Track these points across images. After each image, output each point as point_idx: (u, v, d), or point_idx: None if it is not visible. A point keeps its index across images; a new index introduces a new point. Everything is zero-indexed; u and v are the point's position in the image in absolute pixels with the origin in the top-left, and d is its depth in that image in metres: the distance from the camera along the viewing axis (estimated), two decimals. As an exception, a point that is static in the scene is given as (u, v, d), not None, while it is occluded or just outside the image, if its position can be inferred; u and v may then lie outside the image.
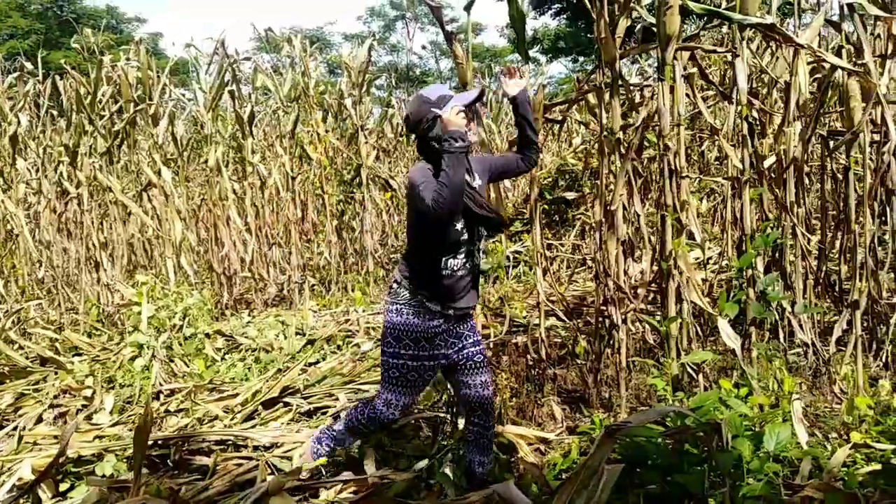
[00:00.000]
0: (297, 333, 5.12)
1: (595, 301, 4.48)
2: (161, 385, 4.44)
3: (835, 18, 4.46)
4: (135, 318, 4.94)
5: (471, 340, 2.64)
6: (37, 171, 7.35)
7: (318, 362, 4.53)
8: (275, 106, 9.04)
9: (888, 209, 4.30)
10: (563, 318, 5.33)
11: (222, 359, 4.93)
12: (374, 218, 8.09)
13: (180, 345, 5.02)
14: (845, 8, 3.99)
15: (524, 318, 5.17)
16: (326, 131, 8.19)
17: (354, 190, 8.02)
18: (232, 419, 3.81)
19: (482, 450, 2.73)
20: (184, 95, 10.03)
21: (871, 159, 4.11)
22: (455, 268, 2.48)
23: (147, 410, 2.59)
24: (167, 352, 4.88)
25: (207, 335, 5.19)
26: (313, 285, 7.27)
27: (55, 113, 8.35)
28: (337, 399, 3.86)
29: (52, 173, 7.21)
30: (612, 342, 4.19)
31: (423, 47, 40.61)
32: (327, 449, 2.84)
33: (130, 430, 3.86)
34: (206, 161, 7.82)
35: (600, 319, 4.31)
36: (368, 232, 7.60)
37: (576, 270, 7.09)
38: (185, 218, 7.35)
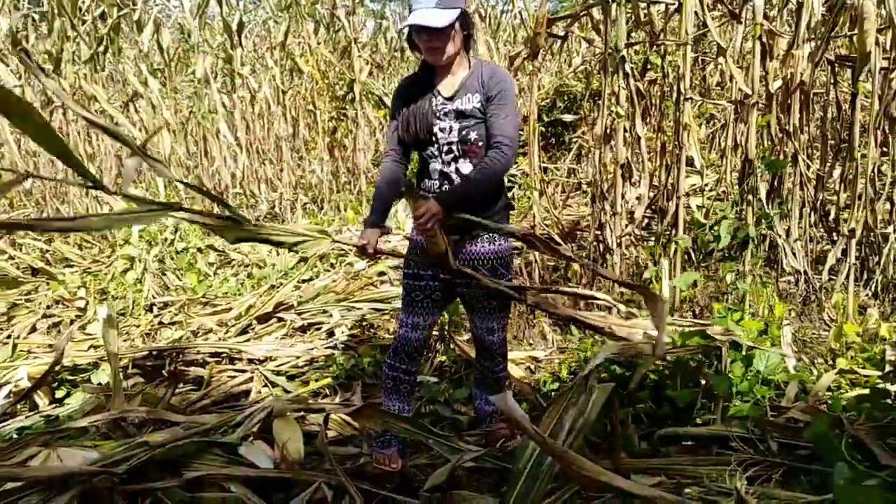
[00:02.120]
0: (290, 250, 5.09)
1: (590, 224, 4.47)
2: (154, 298, 4.44)
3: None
4: (126, 232, 4.89)
5: (466, 280, 2.38)
6: (19, 77, 7.09)
7: (311, 280, 4.53)
8: (265, 15, 8.69)
9: (890, 138, 4.25)
10: (559, 240, 5.34)
11: (214, 274, 4.92)
12: (368, 136, 7.93)
13: (172, 259, 5.00)
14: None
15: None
16: (318, 43, 7.89)
17: (347, 106, 7.81)
18: (226, 332, 3.84)
19: (488, 388, 2.72)
20: (169, 1, 9.61)
21: (878, 87, 4.02)
22: (428, 188, 2.36)
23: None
24: (159, 265, 4.86)
25: (199, 250, 5.16)
26: (305, 203, 7.19)
27: (36, 17, 7.97)
28: (331, 316, 3.88)
29: (36, 81, 6.95)
30: (605, 265, 4.20)
31: (420, -42, 38.83)
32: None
33: (126, 340, 3.89)
34: (193, 72, 7.57)
35: (594, 243, 4.32)
36: (361, 150, 7.46)
37: (570, 195, 7.04)
38: (174, 131, 7.18)
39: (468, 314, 2.62)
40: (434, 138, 2.29)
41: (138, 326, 4.06)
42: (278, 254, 4.97)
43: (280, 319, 3.92)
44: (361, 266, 4.63)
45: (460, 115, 2.27)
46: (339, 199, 7.28)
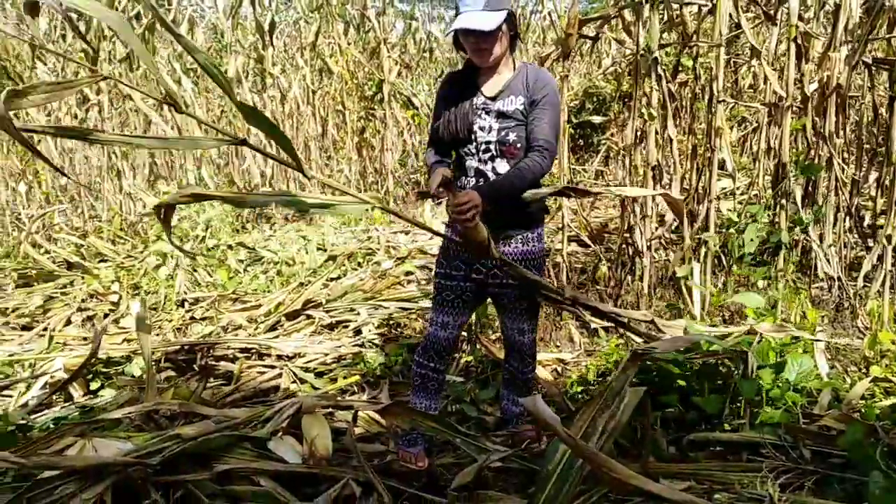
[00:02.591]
0: (318, 249, 5.15)
1: (619, 227, 4.43)
2: (185, 293, 4.51)
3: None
4: (158, 228, 4.98)
5: (498, 281, 2.39)
6: (56, 76, 7.26)
7: (339, 278, 4.57)
8: (296, 16, 8.78)
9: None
10: (587, 242, 5.31)
11: (244, 270, 4.98)
12: (395, 136, 7.97)
13: (203, 255, 5.07)
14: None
15: (547, 242, 5.14)
16: (348, 44, 7.96)
17: (375, 107, 7.86)
18: (255, 329, 3.88)
19: (516, 389, 2.71)
20: (203, 1, 9.75)
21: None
22: (463, 185, 2.36)
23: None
24: (190, 262, 4.94)
25: (230, 247, 5.23)
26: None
27: (74, 16, 8.15)
28: (358, 314, 3.90)
29: (73, 78, 7.11)
30: (633, 269, 4.17)
31: (448, -41, 38.93)
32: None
33: (158, 335, 3.96)
34: (225, 71, 7.67)
35: (623, 246, 4.29)
36: (389, 150, 7.50)
37: (599, 196, 6.99)
38: (206, 129, 7.28)
39: (499, 315, 2.63)
40: (473, 136, 2.30)
41: (170, 321, 4.13)
42: (307, 252, 5.02)
43: (308, 317, 3.96)
44: (388, 265, 4.66)
45: (501, 115, 2.27)
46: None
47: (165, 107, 7.06)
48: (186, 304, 4.40)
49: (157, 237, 5.04)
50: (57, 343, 3.76)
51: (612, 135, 7.48)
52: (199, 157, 7.09)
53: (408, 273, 4.52)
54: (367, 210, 2.09)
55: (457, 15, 2.22)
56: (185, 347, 3.53)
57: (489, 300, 2.69)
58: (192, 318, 4.16)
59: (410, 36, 10.19)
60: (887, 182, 3.78)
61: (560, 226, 4.62)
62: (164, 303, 4.38)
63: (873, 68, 4.89)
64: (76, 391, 3.19)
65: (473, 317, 3.50)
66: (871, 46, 5.85)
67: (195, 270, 4.84)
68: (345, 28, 8.48)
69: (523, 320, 2.52)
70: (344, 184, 7.69)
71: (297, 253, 5.01)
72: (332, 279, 4.53)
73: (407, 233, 5.71)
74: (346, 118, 7.65)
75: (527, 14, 12.04)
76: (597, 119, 7.86)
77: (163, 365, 3.43)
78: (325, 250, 5.11)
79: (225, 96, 8.12)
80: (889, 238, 3.47)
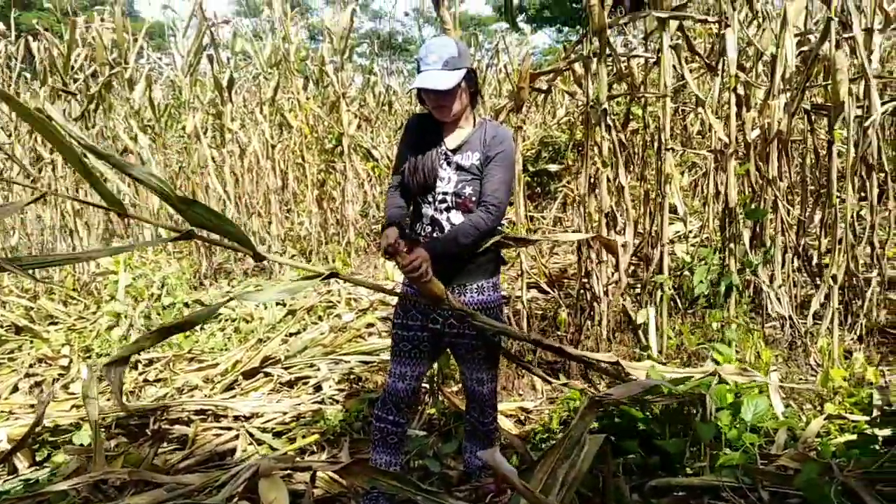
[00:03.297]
0: (277, 304, 5.08)
1: (577, 273, 4.49)
2: (139, 355, 4.38)
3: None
4: (111, 287, 4.87)
5: (455, 330, 2.39)
6: (9, 135, 7.15)
7: (298, 333, 4.51)
8: (255, 72, 8.86)
9: (868, 184, 4.34)
10: (546, 289, 5.35)
11: (201, 329, 4.88)
12: (356, 188, 8.01)
13: (158, 314, 4.96)
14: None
15: (506, 289, 5.18)
16: (307, 98, 8.04)
17: (336, 159, 7.92)
18: (212, 389, 3.78)
19: (478, 440, 2.69)
20: (160, 59, 9.79)
21: (854, 134, 4.13)
22: (418, 233, 2.40)
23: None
24: (145, 321, 4.83)
25: (186, 304, 5.13)
26: (293, 255, 7.20)
27: (28, 76, 8.10)
28: (318, 369, 3.84)
29: (27, 138, 7.02)
30: (592, 314, 4.21)
31: (406, 14, 39.88)
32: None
33: (108, 399, 3.82)
34: (183, 127, 7.66)
35: (582, 291, 4.33)
36: (350, 202, 7.52)
37: (557, 243, 7.09)
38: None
39: (458, 365, 2.62)
40: (435, 186, 2.33)
41: (122, 384, 3.99)
42: (265, 307, 4.95)
43: (267, 374, 3.88)
44: (349, 317, 4.62)
45: (460, 168, 2.32)
46: (327, 250, 7.29)
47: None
48: (140, 366, 4.27)
49: (111, 297, 4.93)
50: (1, 412, 3.60)
51: (568, 182, 7.64)
52: (157, 212, 6.99)
53: (369, 325, 4.48)
54: (320, 281, 2.08)
55: (419, 72, 2.28)
56: (138, 412, 3.41)
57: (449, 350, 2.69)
58: (145, 380, 4.04)
59: (370, 90, 10.35)
60: (829, 223, 3.93)
61: (519, 273, 4.66)
62: (118, 365, 4.24)
63: (813, 114, 5.13)
64: (21, 462, 3.05)
65: (435, 367, 3.47)
66: (812, 92, 6.16)
67: (150, 330, 4.71)
68: (304, 83, 8.58)
69: (482, 370, 2.52)
70: (305, 236, 7.66)
71: (256, 308, 4.93)
72: (291, 334, 4.46)
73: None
74: (307, 171, 7.67)
75: (483, 67, 12.37)
76: (553, 167, 8.04)
77: (113, 431, 3.30)
78: (285, 305, 5.05)
79: (184, 151, 8.10)
80: (834, 277, 3.59)
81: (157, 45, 14.69)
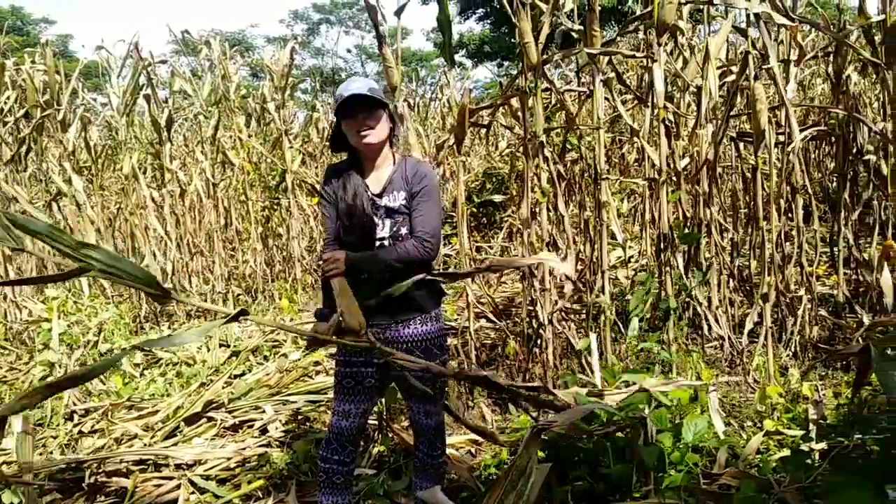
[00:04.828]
0: (220, 345, 4.96)
1: (523, 301, 4.54)
2: (75, 405, 4.20)
3: (742, 25, 4.69)
4: (45, 336, 4.67)
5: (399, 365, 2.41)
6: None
7: (243, 374, 4.40)
8: (195, 111, 8.76)
9: (793, 206, 4.56)
10: (493, 319, 5.39)
11: (141, 375, 4.71)
12: (302, 224, 7.95)
13: (95, 362, 4.77)
14: (752, 16, 4.20)
15: (454, 320, 5.19)
16: (249, 136, 7.99)
17: (280, 196, 7.85)
18: (152, 437, 3.65)
19: (428, 477, 2.66)
20: (95, 100, 9.60)
21: (777, 159, 4.34)
22: (361, 281, 2.36)
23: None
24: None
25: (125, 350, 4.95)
26: (238, 295, 7.06)
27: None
28: (263, 411, 3.75)
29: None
30: (539, 342, 4.25)
31: (349, 51, 40.26)
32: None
33: (41, 454, 3.64)
34: (121, 168, 7.49)
35: (528, 320, 4.38)
36: (295, 238, 7.46)
37: (504, 272, 7.16)
38: (100, 228, 7.01)
39: (405, 399, 2.60)
40: (373, 233, 2.33)
41: (56, 437, 3.81)
42: (209, 349, 4.82)
43: (210, 419, 3.76)
44: (296, 356, 4.54)
45: (390, 211, 2.33)
46: (273, 288, 7.18)
47: (55, 207, 6.76)
48: (76, 417, 4.09)
49: (44, 345, 4.72)
50: (-78, 474, 3.38)
51: (512, 212, 7.76)
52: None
53: (316, 363, 4.41)
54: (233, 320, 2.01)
55: (339, 104, 2.29)
56: (73, 465, 3.26)
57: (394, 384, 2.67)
58: (80, 432, 3.86)
59: (313, 126, 10.35)
60: (759, 244, 4.09)
61: (466, 304, 4.68)
62: (51, 417, 4.06)
63: (738, 141, 5.37)
64: (-58, 527, 2.86)
65: (383, 403, 3.44)
66: (739, 120, 6.46)
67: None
68: (246, 120, 8.53)
69: (429, 402, 2.51)
70: (250, 275, 7.53)
71: (198, 351, 4.80)
72: (235, 376, 4.35)
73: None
74: (250, 209, 7.58)
75: (426, 101, 12.55)
76: (497, 198, 8.15)
77: (47, 487, 3.13)
78: (229, 346, 4.93)
79: (122, 192, 7.90)
80: (765, 297, 3.73)
81: (93, 84, 14.40)
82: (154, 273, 6.50)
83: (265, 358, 4.72)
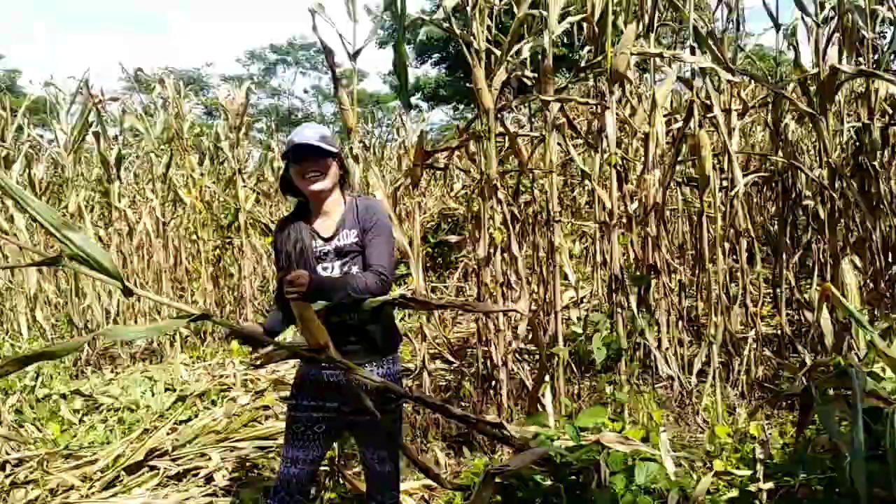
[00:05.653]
0: (166, 390, 4.79)
1: (477, 342, 4.54)
2: (7, 454, 3.98)
3: (687, 75, 4.91)
4: (-24, 381, 4.44)
5: (352, 408, 2.32)
6: None
7: (189, 420, 4.24)
8: (147, 148, 8.63)
9: (738, 248, 4.72)
10: (449, 359, 5.37)
11: (80, 421, 4.51)
12: (254, 264, 7.83)
13: (32, 408, 4.56)
14: (696, 68, 4.40)
15: (410, 360, 5.14)
16: (202, 174, 7.89)
17: (232, 235, 7.74)
18: (90, 488, 3.47)
19: None
20: (42, 136, 9.37)
21: (721, 203, 4.50)
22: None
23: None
24: (16, 416, 4.42)
25: (63, 396, 4.74)
26: (187, 336, 6.86)
27: None
28: (210, 459, 3.62)
29: None
30: (494, 383, 4.24)
31: (305, 91, 40.45)
32: None
33: (-33, 509, 3.42)
34: (66, 206, 7.28)
35: (483, 360, 4.37)
36: (247, 278, 7.33)
37: (459, 312, 7.17)
38: (42, 269, 6.77)
39: (357, 445, 2.55)
40: None
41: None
42: (153, 394, 4.65)
43: (152, 468, 3.61)
44: (245, 400, 4.41)
45: (340, 252, 2.32)
46: (223, 329, 7.01)
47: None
48: (8, 467, 3.86)
49: (-24, 391, 4.49)
50: None
51: (467, 252, 7.81)
52: (33, 297, 6.52)
53: (266, 407, 4.30)
54: (188, 322, 1.94)
55: (288, 150, 2.31)
56: (1, 520, 3.07)
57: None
58: (13, 483, 3.65)
59: (268, 165, 10.30)
60: (704, 286, 4.21)
61: (422, 342, 4.65)
62: (-20, 468, 3.83)
63: (685, 186, 5.55)
64: None
65: (336, 448, 3.36)
66: (687, 165, 6.70)
67: (21, 426, 4.32)
68: (199, 159, 8.43)
69: (382, 448, 2.46)
70: (199, 316, 7.33)
71: (142, 396, 4.62)
72: (181, 422, 4.20)
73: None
74: (201, 248, 7.44)
75: (383, 142, 12.65)
76: (453, 238, 8.20)
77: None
78: (175, 390, 4.77)
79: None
80: (713, 337, 3.82)
81: (41, 120, 14.07)
82: (97, 316, 6.29)
83: (213, 402, 4.57)
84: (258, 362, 2.15)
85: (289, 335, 3.93)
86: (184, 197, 7.58)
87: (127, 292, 1.76)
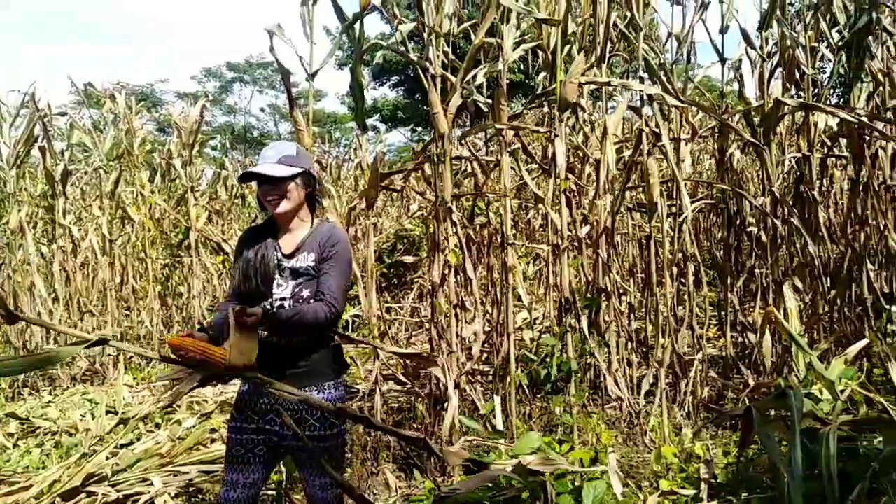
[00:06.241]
0: (107, 412, 4.62)
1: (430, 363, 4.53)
2: (-68, 481, 3.77)
3: (638, 104, 5.07)
4: None
5: (292, 432, 2.24)
6: None
7: (131, 443, 4.10)
8: (96, 164, 8.42)
9: (685, 272, 4.84)
10: (402, 380, 5.33)
11: (15, 445, 4.31)
12: (204, 283, 7.66)
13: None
14: (646, 97, 4.53)
15: (360, 382, 5.09)
16: (153, 192, 7.73)
17: (182, 253, 7.57)
18: (22, 516, 3.31)
19: None
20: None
21: (670, 228, 4.63)
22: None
23: None
24: (-56, 441, 4.20)
25: (-2, 419, 4.54)
26: (131, 357, 6.66)
27: None
28: (151, 484, 3.50)
29: None
30: (446, 403, 4.23)
31: (262, 109, 40.09)
32: None
33: None
34: (7, 222, 7.02)
35: (435, 382, 4.36)
36: (196, 298, 7.17)
37: (414, 333, 7.15)
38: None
39: (299, 470, 2.49)
40: (271, 293, 2.29)
41: None
42: (93, 417, 4.49)
43: (90, 493, 3.46)
44: (191, 423, 4.29)
45: (295, 273, 2.31)
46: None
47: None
48: (-67, 495, 3.67)
49: None
50: None
51: (423, 273, 7.81)
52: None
53: (212, 430, 4.19)
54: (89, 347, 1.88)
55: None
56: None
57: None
58: (-63, 512, 3.46)
59: (221, 183, 10.15)
60: (652, 309, 4.31)
61: (374, 366, 4.61)
62: None
63: (635, 211, 5.69)
64: None
65: (284, 471, 3.29)
66: (637, 191, 6.87)
67: None
68: (150, 176, 8.26)
69: (325, 474, 2.41)
70: (145, 336, 7.14)
71: (82, 419, 4.45)
72: (122, 446, 4.05)
73: (214, 385, 5.35)
74: (149, 266, 7.25)
75: (340, 162, 12.62)
76: (408, 259, 8.21)
77: None
78: (117, 413, 4.61)
79: (6, 248, 7.37)
80: (660, 361, 3.90)
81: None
82: (35, 336, 6.05)
83: (157, 425, 4.43)
84: (166, 399, 2.10)
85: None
86: (132, 214, 7.40)
87: (10, 319, 1.68)
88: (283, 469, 3.29)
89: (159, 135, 24.73)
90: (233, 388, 5.16)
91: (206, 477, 3.62)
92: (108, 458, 3.77)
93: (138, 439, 4.17)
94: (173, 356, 2.08)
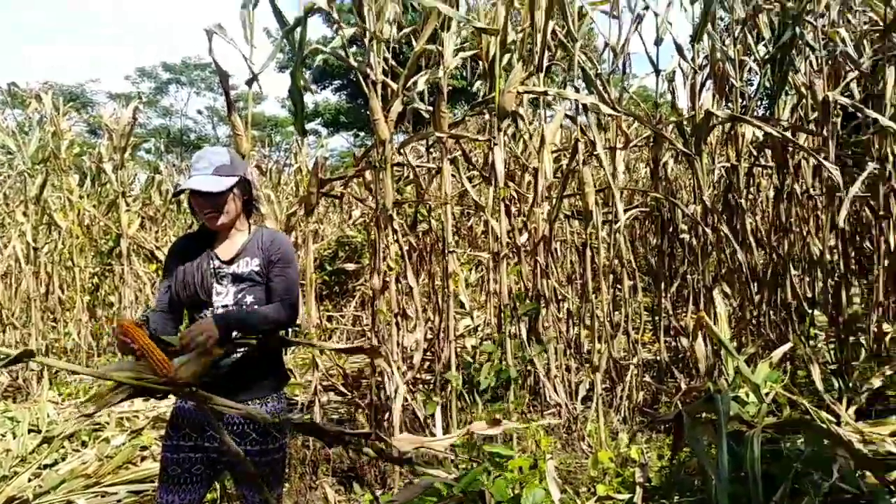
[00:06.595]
0: (30, 431, 4.39)
1: (371, 373, 4.49)
2: None
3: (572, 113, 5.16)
4: None
5: (232, 450, 2.10)
6: None
7: (55, 464, 3.91)
8: (20, 168, 8.02)
9: (621, 278, 4.96)
10: (343, 391, 5.26)
11: (-74, 468, 4.04)
12: (136, 292, 7.39)
13: None
14: (581, 106, 4.62)
15: (301, 392, 5.01)
16: (81, 197, 7.41)
17: (113, 262, 7.29)
18: (-68, 545, 3.11)
19: None
20: None
21: (606, 235, 4.73)
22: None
23: None
24: None
25: None
26: (56, 372, 6.36)
27: None
28: (77, 506, 3.35)
29: None
30: (386, 413, 4.20)
31: (199, 112, 39.04)
32: None
33: None
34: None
35: (376, 391, 4.32)
36: (128, 308, 6.91)
37: (355, 341, 7.08)
38: None
39: (237, 488, 2.42)
40: (211, 300, 2.23)
41: None
42: (14, 436, 4.26)
43: (10, 518, 3.29)
44: (120, 440, 4.13)
45: (237, 278, 2.26)
46: (99, 363, 6.55)
47: None
48: None
49: None
50: None
51: (365, 281, 7.75)
52: None
53: (143, 448, 4.04)
54: (14, 363, 1.79)
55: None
56: None
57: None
58: None
59: (155, 188, 9.83)
60: (588, 315, 4.39)
61: (313, 376, 4.54)
62: None
63: (573, 218, 5.79)
64: None
65: (218, 489, 3.20)
66: (574, 199, 6.99)
67: None
68: (80, 180, 7.92)
69: (264, 490, 2.35)
70: (72, 349, 6.83)
71: (2, 439, 4.22)
72: (45, 466, 3.86)
73: (147, 399, 5.15)
74: (77, 276, 6.95)
75: (280, 166, 12.42)
76: (350, 266, 8.14)
77: None
78: (40, 431, 4.38)
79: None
80: (597, 366, 3.97)
81: None
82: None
83: (83, 444, 4.24)
84: (91, 409, 2.01)
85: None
86: (59, 221, 7.08)
87: None
88: (218, 487, 3.20)
89: (90, 137, 23.78)
90: (166, 404, 4.99)
91: (135, 497, 3.49)
92: (30, 480, 3.59)
93: (63, 459, 3.97)
94: (121, 338, 1.99)
